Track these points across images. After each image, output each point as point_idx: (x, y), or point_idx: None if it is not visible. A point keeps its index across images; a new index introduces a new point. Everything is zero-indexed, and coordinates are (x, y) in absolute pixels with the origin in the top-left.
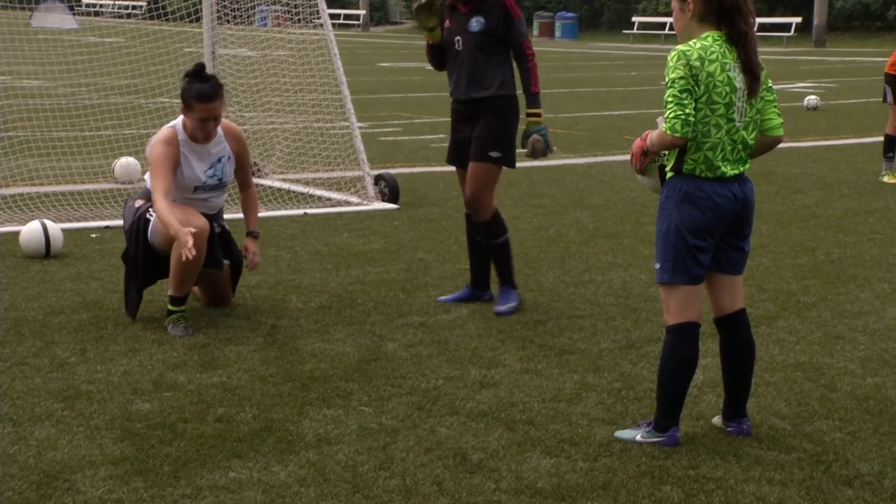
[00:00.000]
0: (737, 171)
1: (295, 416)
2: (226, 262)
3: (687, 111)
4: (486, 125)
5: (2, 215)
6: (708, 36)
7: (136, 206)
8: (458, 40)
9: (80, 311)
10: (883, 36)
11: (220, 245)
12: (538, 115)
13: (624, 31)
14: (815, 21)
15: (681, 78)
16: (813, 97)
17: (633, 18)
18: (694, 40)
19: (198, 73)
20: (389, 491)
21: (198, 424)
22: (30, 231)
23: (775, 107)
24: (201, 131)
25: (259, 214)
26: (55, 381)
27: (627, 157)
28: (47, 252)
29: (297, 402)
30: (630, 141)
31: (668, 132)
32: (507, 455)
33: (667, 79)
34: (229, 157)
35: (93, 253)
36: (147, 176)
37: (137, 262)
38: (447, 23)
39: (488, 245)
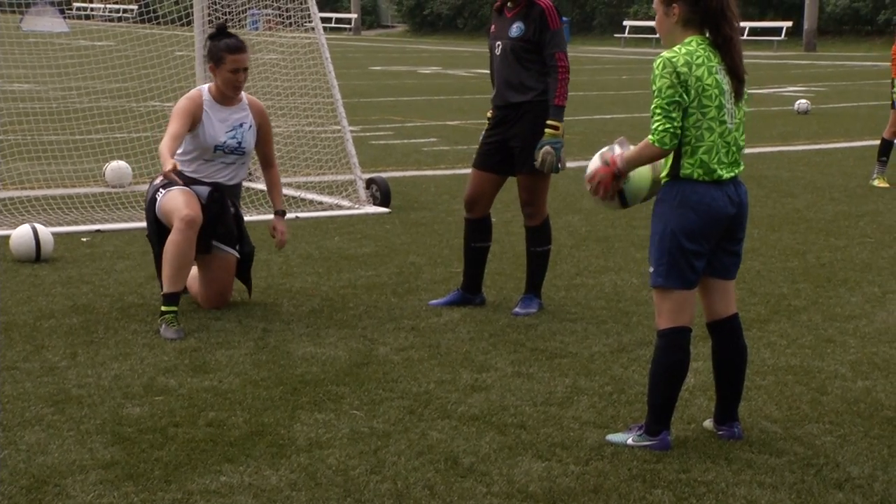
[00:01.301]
0: (732, 174)
1: (286, 421)
2: (233, 251)
3: (676, 124)
4: (527, 134)
5: None
6: (692, 41)
7: (157, 183)
8: (498, 45)
9: (71, 315)
10: (873, 40)
11: (234, 226)
12: (556, 127)
13: (615, 35)
14: (806, 25)
15: (668, 87)
16: (803, 101)
17: (625, 22)
18: (678, 46)
19: (222, 31)
20: (381, 495)
21: (189, 429)
22: (20, 235)
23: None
24: (233, 84)
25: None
26: (45, 385)
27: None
28: (38, 256)
29: (288, 406)
30: None
31: (657, 144)
32: (499, 459)
33: (653, 87)
34: (251, 126)
35: (83, 257)
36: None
37: (153, 240)
38: (492, 27)
39: (531, 252)
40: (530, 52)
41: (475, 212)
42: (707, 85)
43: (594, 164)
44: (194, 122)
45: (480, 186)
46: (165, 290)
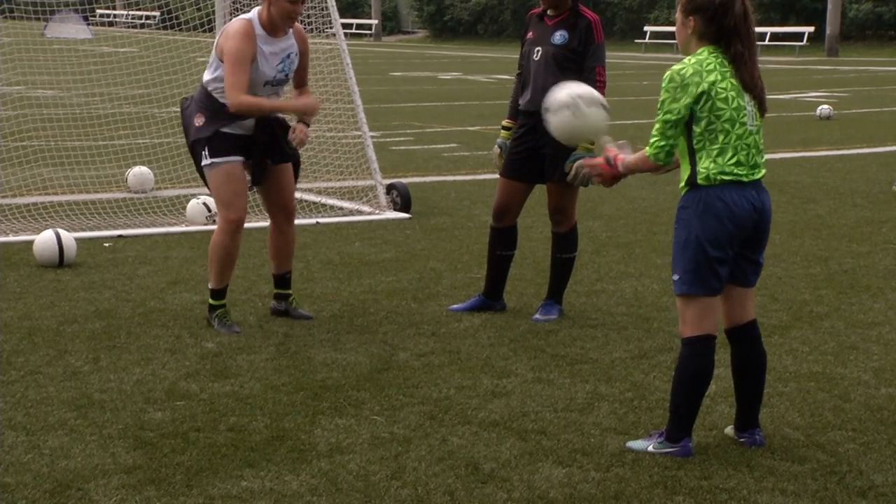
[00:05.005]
0: (753, 178)
1: (307, 426)
2: (288, 161)
3: (672, 142)
4: (559, 141)
5: (16, 224)
6: (703, 51)
7: (199, 124)
8: (537, 51)
9: (94, 320)
10: None
11: (283, 136)
12: (591, 142)
13: (636, 41)
14: (828, 30)
15: (670, 102)
16: (826, 107)
17: (645, 28)
18: (689, 57)
19: None
20: (401, 500)
21: (210, 433)
22: (43, 240)
23: None
24: (290, 15)
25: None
26: (68, 389)
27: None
28: (61, 261)
29: (309, 411)
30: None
31: (652, 159)
32: (520, 465)
33: (659, 100)
34: (296, 53)
35: (106, 262)
36: (213, 70)
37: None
38: (530, 34)
39: (556, 259)
40: (571, 60)
41: (504, 221)
42: (721, 88)
43: (600, 155)
44: (251, 61)
45: (510, 196)
46: (213, 286)
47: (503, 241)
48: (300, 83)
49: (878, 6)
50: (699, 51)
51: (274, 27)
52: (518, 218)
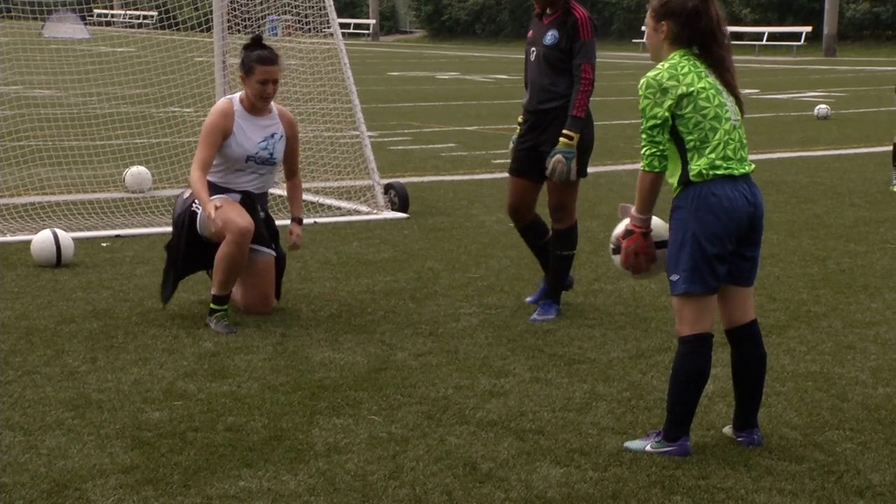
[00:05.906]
0: (744, 171)
1: (304, 426)
2: (270, 251)
3: (661, 147)
4: (556, 140)
5: (13, 224)
6: (675, 55)
7: (186, 196)
8: (533, 51)
9: (91, 320)
10: (894, 45)
11: (265, 229)
12: (570, 137)
13: (633, 41)
14: (826, 30)
15: (651, 107)
16: (823, 106)
17: (643, 27)
18: (661, 63)
19: (256, 42)
20: (399, 500)
21: (208, 433)
22: (41, 240)
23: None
24: (261, 94)
25: None
26: (66, 389)
27: (622, 242)
28: (58, 261)
29: (306, 411)
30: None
31: (647, 169)
32: (517, 465)
33: (640, 108)
34: (281, 136)
35: (103, 262)
36: None
37: (178, 252)
38: (530, 33)
39: (555, 255)
40: (562, 60)
41: (520, 220)
42: (700, 88)
43: (617, 255)
44: (225, 135)
45: (520, 193)
46: (217, 293)
47: (530, 235)
48: (290, 173)
49: (875, 6)
50: (671, 55)
51: (252, 106)
52: (535, 211)
